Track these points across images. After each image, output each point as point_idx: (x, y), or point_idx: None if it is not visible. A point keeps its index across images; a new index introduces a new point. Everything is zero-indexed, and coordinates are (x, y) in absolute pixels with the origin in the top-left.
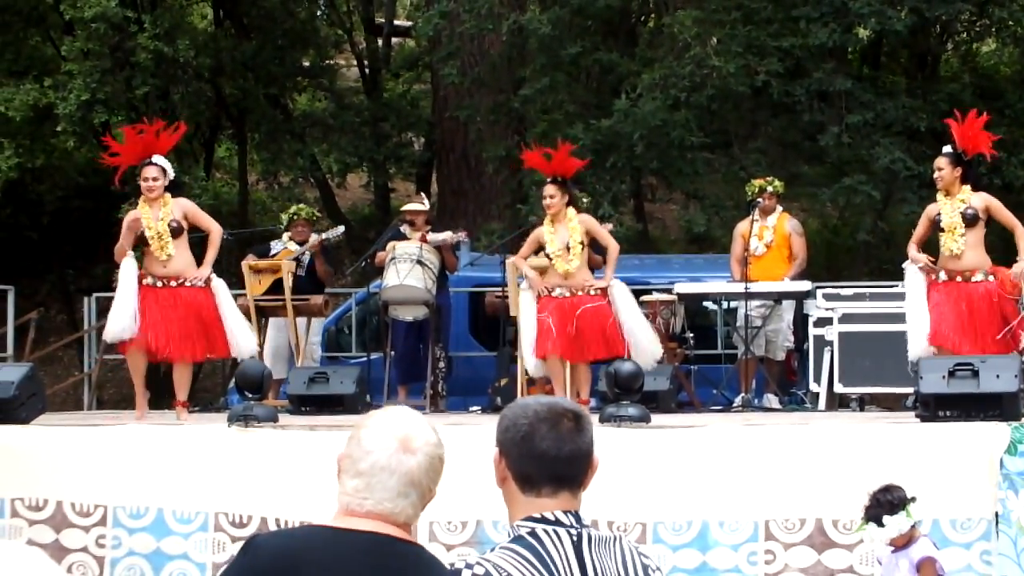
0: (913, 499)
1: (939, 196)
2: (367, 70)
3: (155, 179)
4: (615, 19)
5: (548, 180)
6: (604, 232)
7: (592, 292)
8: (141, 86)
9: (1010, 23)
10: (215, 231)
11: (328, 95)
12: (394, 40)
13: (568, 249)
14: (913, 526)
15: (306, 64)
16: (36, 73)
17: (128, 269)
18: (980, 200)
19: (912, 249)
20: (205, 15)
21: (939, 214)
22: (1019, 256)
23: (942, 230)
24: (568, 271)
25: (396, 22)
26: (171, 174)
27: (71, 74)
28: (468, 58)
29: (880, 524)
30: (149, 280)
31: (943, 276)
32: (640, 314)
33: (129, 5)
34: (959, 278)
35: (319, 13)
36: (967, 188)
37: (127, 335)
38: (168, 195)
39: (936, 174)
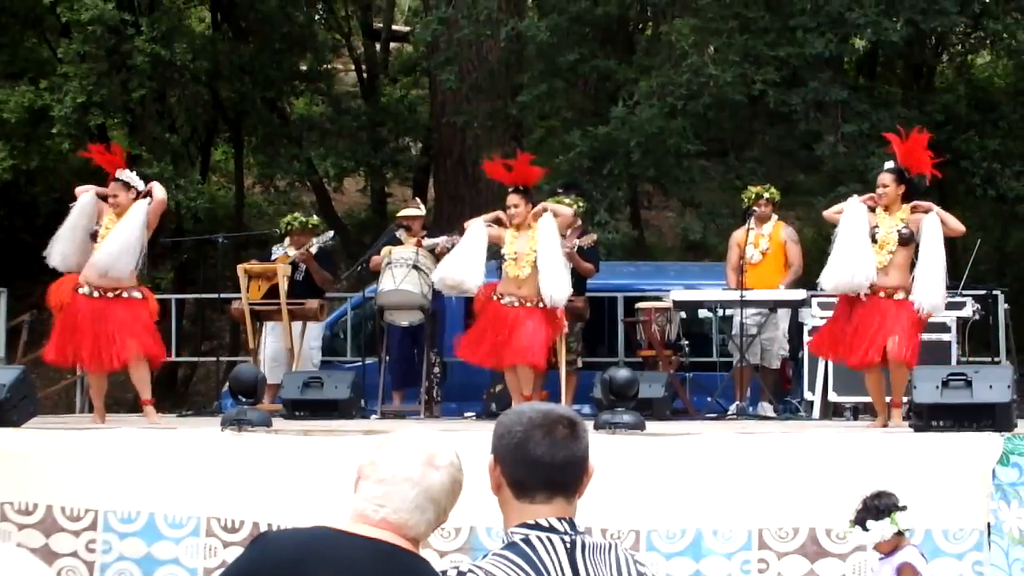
0: (903, 508)
1: (878, 210)
2: (365, 75)
3: (115, 196)
4: (613, 27)
5: (511, 190)
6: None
7: (540, 306)
8: (138, 89)
9: (1004, 35)
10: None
11: (326, 99)
12: (392, 45)
13: (517, 258)
14: (899, 534)
15: (304, 68)
16: (32, 75)
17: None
18: (916, 223)
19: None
20: (203, 18)
21: (876, 227)
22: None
23: (874, 242)
24: (519, 277)
25: (394, 27)
26: (138, 187)
27: (67, 76)
28: (466, 64)
29: (865, 528)
30: (85, 290)
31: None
32: (559, 252)
33: (126, 8)
34: (882, 293)
35: (317, 17)
36: (907, 208)
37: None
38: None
39: (880, 190)
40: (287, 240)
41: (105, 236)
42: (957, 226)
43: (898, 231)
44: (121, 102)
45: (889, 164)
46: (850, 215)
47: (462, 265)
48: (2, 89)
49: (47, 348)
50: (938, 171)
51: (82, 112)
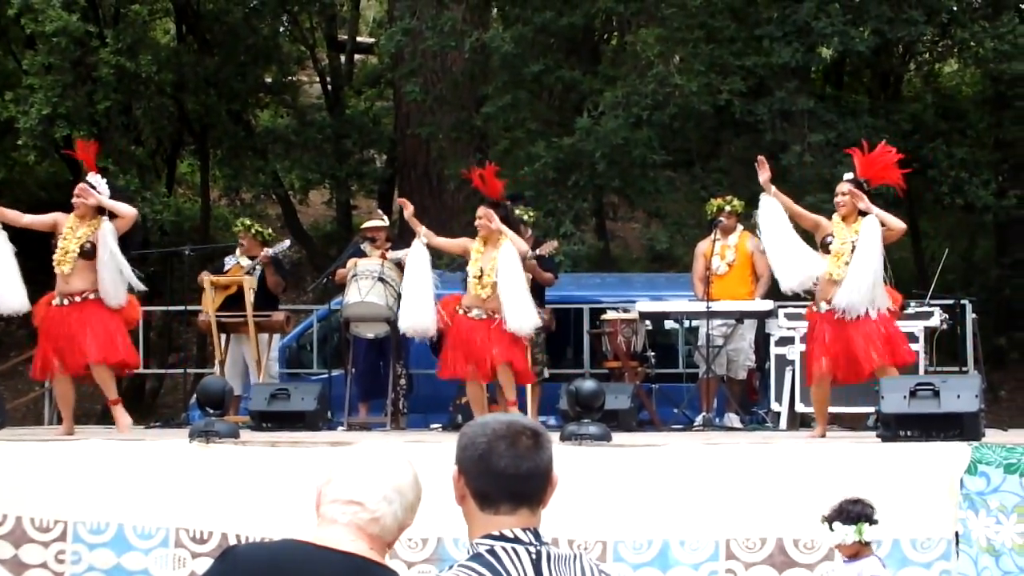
0: (875, 521)
1: (835, 217)
2: (329, 87)
3: (78, 196)
4: (578, 37)
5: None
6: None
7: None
8: (103, 101)
9: (971, 44)
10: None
11: (290, 111)
12: (357, 57)
13: (482, 276)
14: (861, 543)
15: (268, 80)
16: None
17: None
18: None
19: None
20: (168, 30)
21: (831, 236)
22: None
23: (829, 252)
24: (480, 296)
25: (359, 39)
26: (101, 191)
27: (32, 88)
28: (430, 75)
29: (831, 528)
30: (56, 300)
31: (824, 307)
32: (521, 282)
33: (91, 20)
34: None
35: (282, 29)
36: (862, 219)
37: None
38: (103, 218)
39: (839, 199)
40: (239, 250)
41: (62, 250)
42: (898, 224)
43: (852, 243)
44: (86, 114)
45: (848, 175)
46: (768, 216)
47: (416, 314)
48: None
49: (33, 366)
50: (904, 183)
51: (47, 124)
